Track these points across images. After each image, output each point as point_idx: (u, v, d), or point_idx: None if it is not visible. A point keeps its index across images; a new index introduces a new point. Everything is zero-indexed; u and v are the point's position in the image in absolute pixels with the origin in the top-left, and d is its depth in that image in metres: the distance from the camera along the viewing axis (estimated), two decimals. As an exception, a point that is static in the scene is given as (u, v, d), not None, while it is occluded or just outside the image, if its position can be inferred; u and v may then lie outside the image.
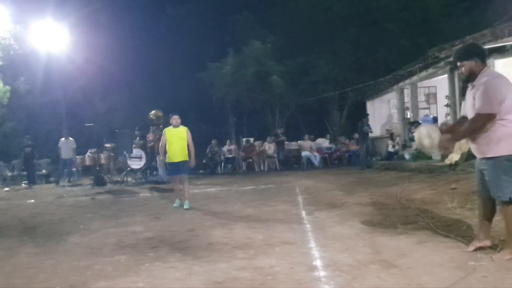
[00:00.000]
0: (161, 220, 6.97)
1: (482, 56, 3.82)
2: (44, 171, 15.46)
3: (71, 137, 14.34)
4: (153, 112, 13.66)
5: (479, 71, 3.73)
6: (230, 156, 16.86)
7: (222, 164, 16.74)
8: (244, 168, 16.78)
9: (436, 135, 4.01)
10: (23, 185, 14.49)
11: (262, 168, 16.68)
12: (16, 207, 9.59)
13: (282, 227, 5.95)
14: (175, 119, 8.31)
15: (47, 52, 17.86)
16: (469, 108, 3.86)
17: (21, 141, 14.86)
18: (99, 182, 12.96)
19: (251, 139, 18.01)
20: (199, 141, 18.18)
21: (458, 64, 3.89)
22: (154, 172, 13.80)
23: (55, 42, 17.75)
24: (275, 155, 16.92)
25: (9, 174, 15.28)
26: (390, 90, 16.61)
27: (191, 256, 4.71)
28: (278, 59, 17.63)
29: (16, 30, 18.03)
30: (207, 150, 16.81)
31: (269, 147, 16.91)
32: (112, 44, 18.81)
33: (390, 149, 14.70)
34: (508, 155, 3.62)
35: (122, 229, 6.46)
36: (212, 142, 16.84)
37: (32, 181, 14.35)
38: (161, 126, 13.49)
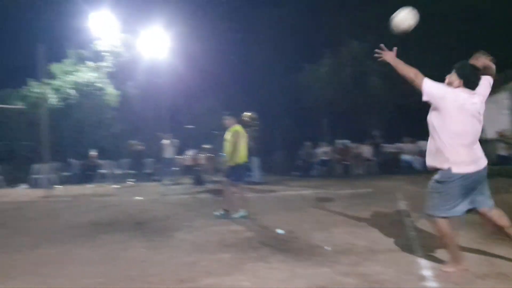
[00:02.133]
0: (259, 221, 7.05)
1: (468, 79, 3.96)
2: (148, 170, 16.44)
3: (173, 138, 15.10)
4: (247, 113, 13.92)
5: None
6: (325, 158, 16.67)
7: (316, 166, 16.60)
8: (339, 171, 16.50)
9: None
10: (129, 182, 15.52)
11: (358, 171, 16.27)
12: (125, 203, 10.28)
13: (385, 233, 5.73)
14: (226, 119, 7.86)
15: (153, 58, 19.05)
16: None
17: (130, 141, 15.93)
18: (198, 181, 13.50)
19: (347, 141, 17.66)
20: (292, 143, 18.36)
21: None
22: (249, 173, 14.05)
23: (159, 48, 18.87)
24: (373, 158, 16.42)
25: (118, 172, 16.46)
26: (500, 90, 15.38)
27: (293, 258, 4.70)
28: (376, 59, 16.92)
29: (126, 38, 19.51)
30: (301, 152, 16.78)
31: (366, 150, 16.47)
32: (209, 49, 19.54)
33: (503, 153, 13.58)
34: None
35: (223, 227, 6.64)
36: (306, 144, 16.78)
37: (138, 179, 15.34)
38: (255, 128, 13.76)
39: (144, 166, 15.88)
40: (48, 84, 16.07)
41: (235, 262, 4.64)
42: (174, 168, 15.59)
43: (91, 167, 16.56)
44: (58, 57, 18.87)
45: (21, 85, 17.98)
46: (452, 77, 3.98)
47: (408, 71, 3.94)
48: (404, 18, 4.42)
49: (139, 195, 11.72)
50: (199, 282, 4.04)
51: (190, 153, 16.25)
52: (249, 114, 13.87)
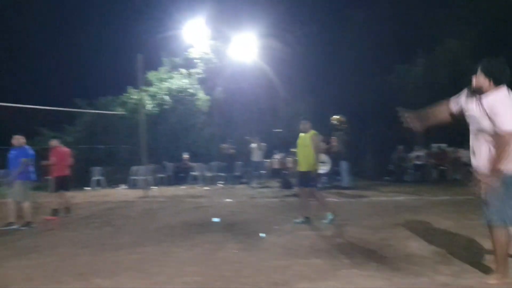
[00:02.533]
0: (351, 227, 6.86)
1: (498, 78, 3.62)
2: (237, 172, 16.77)
3: (260, 141, 15.27)
4: (335, 116, 13.71)
5: (486, 91, 3.65)
6: (418, 163, 15.88)
7: (410, 171, 15.87)
8: (434, 176, 15.62)
9: None
10: (219, 185, 15.96)
11: (456, 176, 15.28)
12: (216, 205, 10.56)
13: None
14: (301, 123, 7.69)
15: (241, 63, 19.50)
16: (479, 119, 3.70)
17: (222, 144, 16.39)
18: (286, 185, 13.51)
19: (444, 145, 16.69)
20: (383, 147, 17.72)
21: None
22: (338, 177, 13.79)
23: (248, 53, 19.29)
24: (471, 163, 15.32)
25: (208, 174, 17.00)
26: None
27: (388, 267, 4.51)
28: (477, 58, 15.80)
29: (216, 45, 20.18)
30: (393, 156, 16.14)
31: (465, 154, 15.42)
32: (297, 52, 19.53)
33: None
34: None
35: (314, 232, 6.57)
36: (398, 147, 16.12)
37: (228, 181, 15.73)
38: (344, 131, 13.50)
39: (233, 169, 16.24)
40: (145, 91, 17.05)
41: (328, 268, 4.55)
42: (262, 171, 15.76)
43: (183, 169, 17.29)
44: (155, 66, 19.99)
45: (121, 92, 19.27)
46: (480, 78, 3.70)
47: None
48: None
49: (229, 197, 11.99)
50: (292, 286, 4.01)
51: (278, 156, 16.34)
52: (337, 117, 13.65)
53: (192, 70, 19.86)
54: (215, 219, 8.11)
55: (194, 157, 17.57)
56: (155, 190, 14.75)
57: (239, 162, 16.89)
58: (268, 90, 19.43)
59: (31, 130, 19.36)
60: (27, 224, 7.97)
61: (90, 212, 9.94)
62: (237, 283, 4.13)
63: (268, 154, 15.93)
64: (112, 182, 17.11)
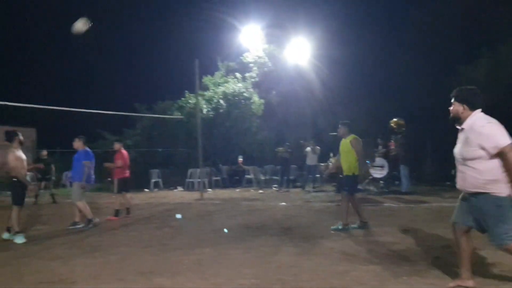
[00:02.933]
0: (412, 233, 6.65)
1: (471, 100, 3.79)
2: (292, 176, 16.72)
3: (315, 145, 15.14)
4: (394, 120, 13.34)
5: (463, 116, 3.80)
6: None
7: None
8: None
9: None
10: (273, 188, 15.98)
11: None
12: (271, 208, 10.59)
13: None
14: (339, 128, 7.48)
15: (295, 66, 19.48)
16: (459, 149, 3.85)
17: (278, 148, 16.41)
18: (341, 189, 13.27)
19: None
20: (445, 150, 16.97)
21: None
22: (396, 182, 13.41)
23: (302, 57, 19.23)
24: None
25: (263, 177, 17.07)
26: None
27: (452, 276, 4.32)
28: None
29: (270, 49, 20.28)
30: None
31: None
32: (353, 54, 19.23)
33: None
34: None
35: (372, 238, 6.43)
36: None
37: (283, 185, 15.70)
38: (402, 135, 13.11)
39: (288, 172, 16.20)
40: (202, 95, 17.40)
41: (387, 274, 4.43)
42: (317, 175, 15.62)
43: (238, 172, 17.48)
44: (210, 70, 20.38)
45: (179, 97, 19.78)
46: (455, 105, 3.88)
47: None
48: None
49: (283, 201, 11.98)
50: (352, 293, 3.95)
51: (333, 160, 16.12)
52: (396, 120, 13.28)
53: (247, 74, 20.05)
54: (178, 216, 9.03)
55: (249, 160, 17.72)
56: (210, 192, 15.01)
57: (294, 166, 16.83)
58: (323, 93, 19.25)
59: (94, 133, 20.29)
60: (89, 222, 8.29)
61: (149, 213, 10.27)
62: (295, 287, 4.10)
63: (323, 158, 15.75)
64: (169, 184, 17.59)
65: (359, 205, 7.46)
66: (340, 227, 7.12)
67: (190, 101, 18.73)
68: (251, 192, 15.05)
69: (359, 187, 9.40)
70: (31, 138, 22.68)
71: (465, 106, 3.79)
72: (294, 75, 19.66)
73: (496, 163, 3.58)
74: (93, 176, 8.67)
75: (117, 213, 9.50)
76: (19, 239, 6.97)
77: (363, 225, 7.21)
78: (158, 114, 18.88)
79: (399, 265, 4.80)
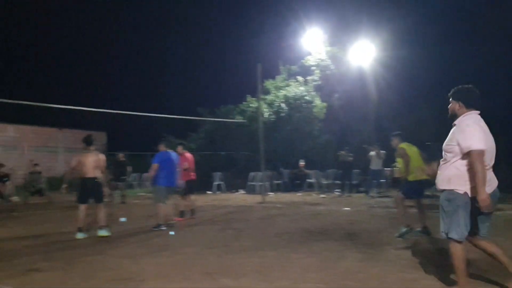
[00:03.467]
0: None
1: (465, 100, 3.87)
2: (355, 181, 16.37)
3: (380, 149, 14.72)
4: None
5: (459, 113, 3.88)
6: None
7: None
8: None
9: None
10: (335, 193, 15.71)
11: None
12: (334, 213, 10.40)
13: None
14: (391, 141, 7.77)
15: (359, 68, 19.10)
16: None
17: (340, 152, 16.16)
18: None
19: None
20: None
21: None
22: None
23: (366, 59, 18.84)
24: None
25: (324, 182, 16.84)
26: None
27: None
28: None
29: (333, 51, 20.04)
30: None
31: None
32: (420, 56, 18.56)
33: None
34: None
35: (441, 245, 6.10)
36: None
37: (345, 190, 15.42)
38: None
39: (350, 177, 15.88)
40: (263, 99, 17.49)
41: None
42: (381, 180, 15.19)
43: (299, 176, 17.36)
44: (272, 74, 20.47)
45: (240, 101, 20.03)
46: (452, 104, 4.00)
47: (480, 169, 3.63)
48: None
49: (347, 205, 11.74)
50: (423, 303, 3.77)
51: (399, 164, 15.60)
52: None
53: (309, 77, 19.93)
54: (122, 219, 9.21)
55: (310, 164, 17.55)
56: (272, 196, 15.02)
57: (357, 170, 16.48)
58: (388, 96, 18.71)
59: (160, 137, 20.97)
60: (167, 224, 8.40)
61: (212, 215, 10.44)
62: (363, 294, 3.99)
63: (388, 163, 15.29)
64: (231, 187, 17.81)
65: (424, 210, 7.23)
66: (403, 229, 6.90)
67: (251, 105, 18.91)
68: (313, 197, 14.89)
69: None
70: (101, 141, 23.91)
71: (461, 104, 3.88)
72: (358, 78, 19.27)
73: (466, 163, 3.72)
74: (176, 179, 8.73)
75: (182, 214, 9.73)
76: (80, 235, 7.51)
77: (425, 231, 6.95)
78: (220, 118, 19.21)
79: (472, 275, 4.52)
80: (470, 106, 3.86)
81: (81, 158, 7.74)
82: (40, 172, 14.35)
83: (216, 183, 17.66)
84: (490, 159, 3.80)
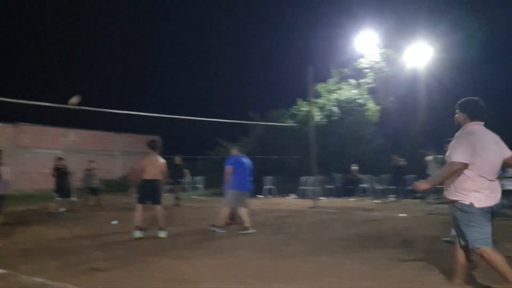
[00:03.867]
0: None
1: (468, 111, 3.98)
2: (410, 186, 15.81)
3: (437, 153, 14.14)
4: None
5: (463, 124, 4.04)
6: None
7: None
8: None
9: None
10: (390, 198, 15.26)
11: None
12: (389, 219, 10.08)
13: None
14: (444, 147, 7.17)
15: (414, 71, 18.52)
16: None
17: (393, 156, 15.71)
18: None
19: None
20: None
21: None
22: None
23: (422, 61, 18.25)
24: None
25: (379, 187, 16.41)
26: None
27: None
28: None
29: (387, 53, 19.54)
30: None
31: None
32: (481, 57, 17.76)
33: None
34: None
35: (504, 255, 5.74)
36: None
37: (400, 195, 14.94)
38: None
39: (405, 182, 15.37)
40: (314, 102, 17.32)
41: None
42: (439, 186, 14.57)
43: (352, 181, 17.02)
44: (323, 77, 20.24)
45: (291, 105, 19.93)
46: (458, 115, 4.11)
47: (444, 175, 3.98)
48: None
49: (402, 212, 11.37)
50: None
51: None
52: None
53: (362, 80, 19.55)
54: (114, 222, 9.32)
55: (363, 169, 17.16)
56: (323, 200, 14.81)
57: (412, 175, 15.94)
58: (444, 99, 17.99)
59: (212, 141, 21.29)
60: (245, 228, 8.25)
61: (263, 218, 10.40)
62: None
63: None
64: (282, 191, 17.73)
65: None
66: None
67: (302, 108, 18.78)
68: (366, 202, 14.54)
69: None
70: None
71: (466, 116, 4.00)
72: (413, 81, 18.69)
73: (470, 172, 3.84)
74: (247, 182, 8.51)
75: (234, 217, 9.75)
76: (138, 234, 7.74)
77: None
78: (271, 122, 19.21)
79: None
80: (474, 118, 3.98)
81: (145, 161, 8.00)
82: (95, 169, 14.22)
83: (267, 187, 17.64)
84: (492, 170, 3.86)
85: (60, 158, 11.95)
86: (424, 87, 18.50)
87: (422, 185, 4.06)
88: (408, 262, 5.46)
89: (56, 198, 11.30)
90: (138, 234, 7.77)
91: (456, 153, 3.83)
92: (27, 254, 6.45)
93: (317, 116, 17.74)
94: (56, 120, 20.78)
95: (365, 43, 19.72)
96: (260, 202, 14.72)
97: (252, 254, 6.15)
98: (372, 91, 19.33)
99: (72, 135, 21.58)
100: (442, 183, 4.06)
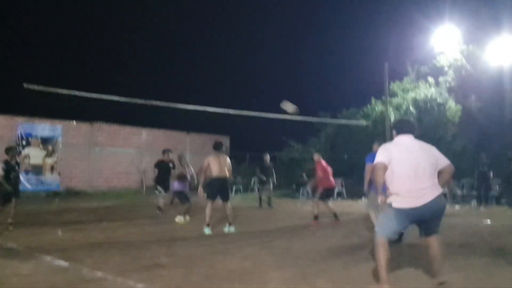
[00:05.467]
0: None
1: (396, 128, 4.62)
2: (494, 192, 14.59)
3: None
4: None
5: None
6: None
7: None
8: None
9: None
10: (472, 204, 14.15)
11: None
12: (473, 225, 9.29)
13: None
14: None
15: (499, 68, 17.10)
16: None
17: (476, 159, 14.57)
18: None
19: None
20: None
21: None
22: None
23: (507, 57, 16.82)
24: None
25: (459, 192, 15.28)
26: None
27: None
28: None
29: (469, 50, 18.23)
30: None
31: None
32: None
33: None
34: None
35: None
36: None
37: (482, 201, 13.80)
38: None
39: (486, 187, 14.12)
40: (390, 102, 16.52)
41: None
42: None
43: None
44: (399, 76, 19.30)
45: (364, 104, 19.18)
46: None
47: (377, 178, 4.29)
48: None
49: (487, 218, 10.42)
50: None
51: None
52: None
53: (441, 79, 18.39)
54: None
55: (442, 172, 16.06)
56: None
57: (497, 180, 14.69)
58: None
59: (280, 141, 21.02)
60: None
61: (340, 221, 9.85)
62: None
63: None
64: (353, 194, 17.04)
65: None
66: None
67: (376, 108, 18.00)
68: (447, 208, 13.53)
69: None
70: (225, 145, 24.73)
71: (395, 132, 4.62)
72: (498, 78, 17.25)
73: (389, 175, 4.25)
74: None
75: (316, 218, 9.41)
76: (207, 231, 7.86)
77: None
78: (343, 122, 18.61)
79: None
80: (399, 132, 4.55)
81: (210, 160, 8.13)
82: (171, 161, 11.52)
83: (336, 189, 17.04)
84: (412, 171, 4.16)
85: (166, 151, 10.94)
86: (510, 84, 17.01)
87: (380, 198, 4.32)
88: (502, 273, 4.87)
89: (160, 192, 10.53)
90: (207, 231, 7.84)
91: (376, 157, 4.31)
92: (93, 248, 6.48)
93: (392, 115, 16.90)
94: (128, 119, 21.50)
95: (445, 39, 18.53)
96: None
97: (323, 257, 5.79)
98: (452, 90, 18.11)
99: (144, 134, 22.19)
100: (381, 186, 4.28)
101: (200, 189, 8.25)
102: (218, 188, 8.08)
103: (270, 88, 40.67)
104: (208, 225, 7.92)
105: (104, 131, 20.69)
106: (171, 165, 10.62)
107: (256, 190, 15.22)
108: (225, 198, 8.21)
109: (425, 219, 4.27)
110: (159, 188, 10.42)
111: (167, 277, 4.73)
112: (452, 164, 4.45)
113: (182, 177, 10.09)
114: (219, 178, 8.06)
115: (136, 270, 5.04)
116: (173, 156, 10.96)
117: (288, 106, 10.76)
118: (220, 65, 40.40)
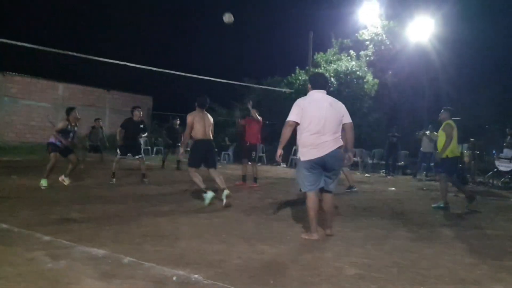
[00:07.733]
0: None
1: (311, 82, 4.95)
2: (402, 162, 15.68)
3: (433, 131, 13.93)
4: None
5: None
6: None
7: None
8: None
9: None
10: (381, 173, 15.11)
11: None
12: (380, 192, 9.93)
13: None
14: (441, 113, 7.88)
15: (416, 45, 18.07)
16: None
17: (388, 131, 15.45)
18: (461, 179, 12.07)
19: None
20: None
21: None
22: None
23: (424, 35, 17.79)
24: None
25: (370, 161, 16.24)
26: None
27: None
28: None
29: (389, 25, 19.03)
30: None
31: None
32: (483, 36, 17.33)
33: None
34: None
35: (503, 233, 5.59)
36: None
37: (390, 170, 14.78)
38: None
39: (395, 158, 15.15)
40: (312, 72, 16.91)
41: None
42: (431, 164, 14.42)
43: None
44: (323, 48, 19.75)
45: (288, 73, 19.46)
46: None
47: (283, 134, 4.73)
48: None
49: (393, 186, 11.21)
50: (485, 286, 3.34)
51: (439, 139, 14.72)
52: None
53: (362, 52, 19.10)
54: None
55: (356, 143, 16.88)
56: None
57: (404, 152, 15.77)
58: (445, 76, 17.66)
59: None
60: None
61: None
62: (415, 273, 3.58)
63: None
64: (273, 159, 17.48)
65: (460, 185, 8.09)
66: (441, 205, 7.44)
67: (300, 77, 18.37)
68: (357, 175, 14.30)
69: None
70: (147, 106, 24.09)
71: (309, 86, 4.91)
72: (414, 55, 18.25)
73: (299, 129, 4.67)
74: None
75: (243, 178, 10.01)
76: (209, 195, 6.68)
77: (446, 207, 7.38)
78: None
79: None
80: (314, 87, 4.82)
81: (195, 118, 6.98)
82: (101, 128, 14.15)
83: (258, 154, 17.37)
84: (319, 126, 4.52)
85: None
86: (425, 62, 18.07)
87: (277, 152, 4.80)
88: (401, 233, 5.30)
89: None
90: (210, 195, 6.67)
91: (290, 114, 4.61)
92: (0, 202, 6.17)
93: (314, 86, 17.38)
94: (45, 72, 20.21)
95: (368, 14, 19.19)
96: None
97: (236, 216, 5.95)
98: (371, 64, 18.90)
99: (61, 89, 20.99)
100: (284, 142, 4.71)
101: (182, 150, 7.97)
102: (203, 153, 7.04)
103: (196, 53, 39.92)
104: (206, 191, 6.74)
105: (18, 82, 19.31)
106: (141, 126, 9.50)
107: (162, 153, 15.13)
108: (212, 164, 7.08)
109: (328, 167, 4.59)
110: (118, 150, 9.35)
111: (77, 231, 4.62)
112: (353, 122, 4.92)
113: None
114: (204, 141, 7.02)
115: (45, 224, 4.88)
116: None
117: (227, 17, 11.19)
118: (146, 24, 38.75)
